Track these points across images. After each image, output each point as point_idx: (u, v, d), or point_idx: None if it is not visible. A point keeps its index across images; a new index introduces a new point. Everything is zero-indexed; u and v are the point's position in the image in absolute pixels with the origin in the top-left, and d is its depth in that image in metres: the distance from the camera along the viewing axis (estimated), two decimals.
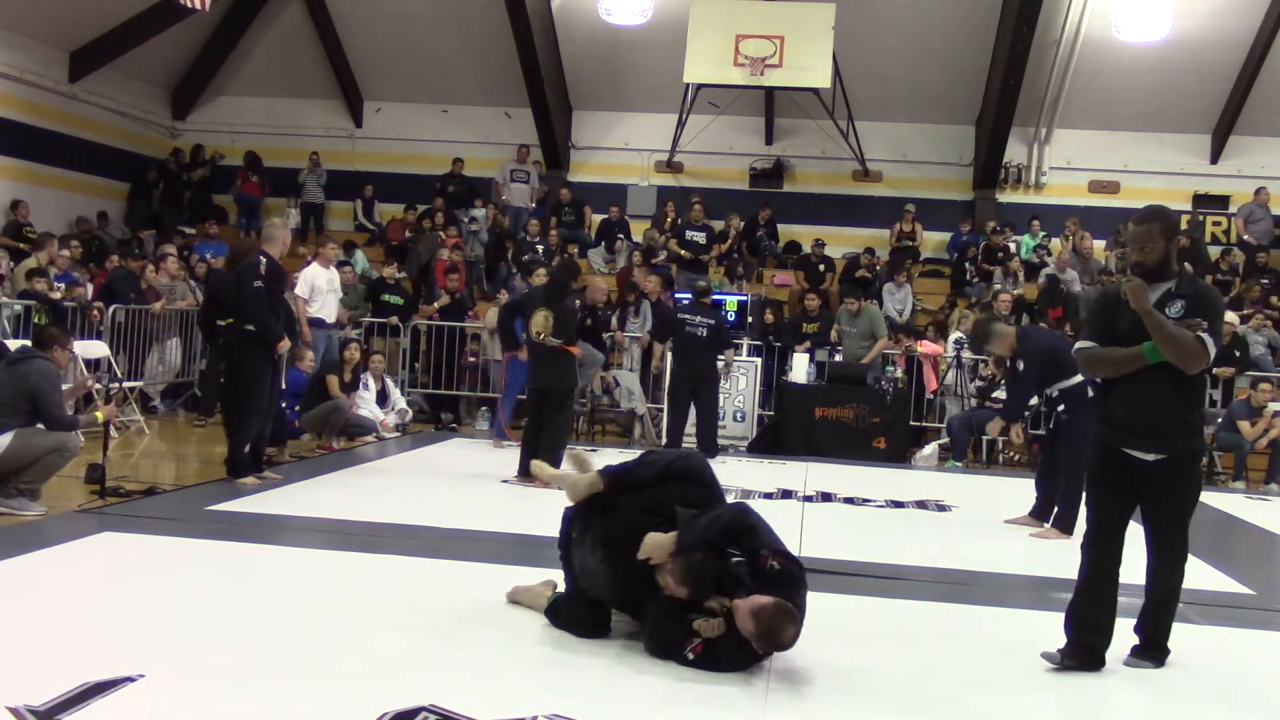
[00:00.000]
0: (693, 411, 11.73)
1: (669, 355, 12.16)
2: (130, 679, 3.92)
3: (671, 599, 4.53)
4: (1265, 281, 15.92)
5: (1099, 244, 17.22)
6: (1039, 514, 8.55)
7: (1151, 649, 4.83)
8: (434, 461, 10.68)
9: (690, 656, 4.42)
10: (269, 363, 8.48)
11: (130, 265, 14.14)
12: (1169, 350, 4.58)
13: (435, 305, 14.53)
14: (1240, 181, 17.51)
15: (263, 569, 5.86)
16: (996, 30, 16.94)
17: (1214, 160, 18.02)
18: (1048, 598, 6.27)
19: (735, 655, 4.43)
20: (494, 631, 4.85)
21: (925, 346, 14.03)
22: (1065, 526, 8.04)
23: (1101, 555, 4.79)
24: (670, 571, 4.48)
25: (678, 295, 14.36)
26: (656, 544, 4.55)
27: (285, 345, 8.53)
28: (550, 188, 18.82)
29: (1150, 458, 4.68)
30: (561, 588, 5.07)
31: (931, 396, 13.75)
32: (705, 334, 11.63)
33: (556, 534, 5.06)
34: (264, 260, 8.48)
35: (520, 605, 5.21)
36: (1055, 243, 17.19)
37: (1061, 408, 8.26)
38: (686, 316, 11.81)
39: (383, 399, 12.33)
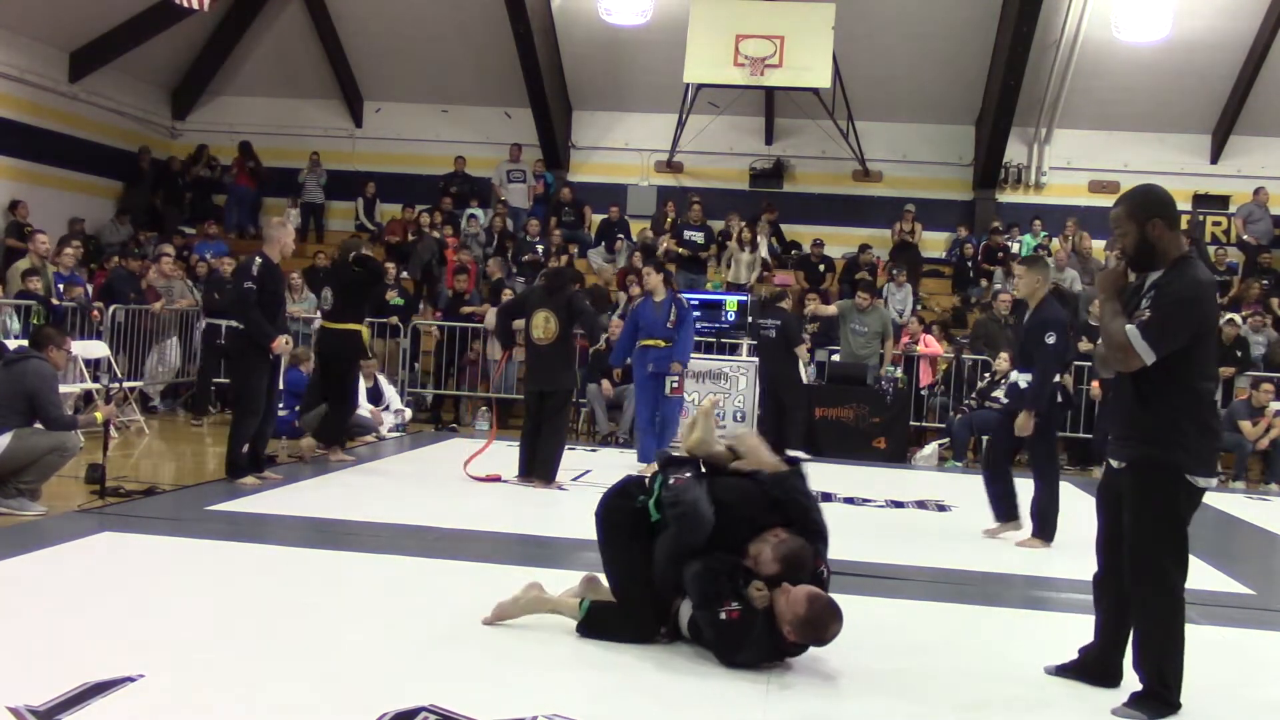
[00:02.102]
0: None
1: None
2: (130, 679, 3.92)
3: (729, 559, 4.50)
4: (1265, 281, 15.91)
5: (1098, 244, 17.21)
6: (1005, 517, 8.00)
7: (1140, 696, 4.23)
8: (434, 462, 10.67)
9: (723, 616, 4.40)
10: (264, 363, 8.47)
11: (130, 265, 14.14)
12: (1104, 345, 4.29)
13: (471, 308, 14.55)
14: (1240, 181, 17.51)
15: (263, 569, 5.86)
16: (996, 30, 16.94)
17: (1214, 160, 18.02)
18: (1048, 599, 6.28)
19: (762, 641, 4.43)
20: (493, 631, 4.85)
21: (926, 346, 14.01)
22: (1047, 535, 7.71)
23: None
24: (773, 545, 4.47)
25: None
26: (753, 444, 4.76)
27: (281, 346, 8.50)
28: (553, 183, 18.82)
29: (1115, 464, 4.37)
30: (544, 586, 4.94)
31: (924, 392, 13.75)
32: (774, 334, 12.15)
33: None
34: (259, 261, 8.47)
35: (509, 622, 4.92)
36: (1055, 242, 17.19)
37: (1006, 400, 7.79)
38: (759, 320, 12.44)
39: (376, 398, 12.33)
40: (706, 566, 4.49)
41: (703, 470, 4.84)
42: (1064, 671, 4.60)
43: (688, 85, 16.94)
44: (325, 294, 9.87)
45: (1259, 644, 5.31)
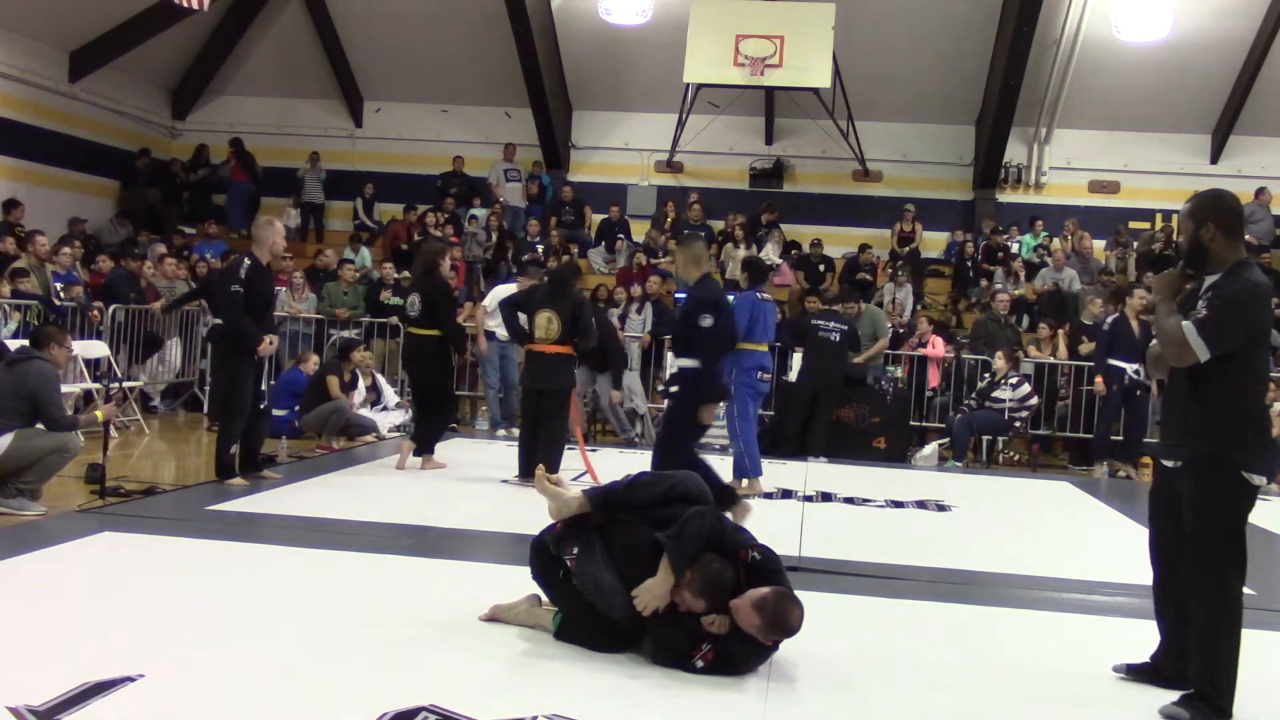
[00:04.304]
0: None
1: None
2: (130, 679, 3.92)
3: (670, 610, 4.47)
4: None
5: (1099, 244, 17.23)
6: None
7: (1190, 698, 4.22)
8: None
9: (700, 664, 4.39)
10: (249, 365, 8.46)
11: (129, 265, 14.14)
12: (1160, 343, 4.38)
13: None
14: (1240, 181, 17.44)
15: (263, 569, 5.85)
16: (996, 30, 16.95)
17: (1214, 160, 18.01)
18: (1049, 599, 6.28)
19: (746, 655, 4.43)
20: (493, 632, 4.85)
21: (933, 347, 14.00)
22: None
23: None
24: (688, 586, 4.42)
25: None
26: (655, 593, 4.47)
27: (267, 348, 8.49)
28: (549, 184, 18.83)
29: (1170, 464, 4.39)
30: (546, 601, 4.94)
31: (931, 394, 13.76)
32: (838, 338, 12.32)
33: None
34: (247, 263, 8.44)
35: (504, 623, 4.97)
36: (1056, 242, 17.19)
37: (675, 388, 7.65)
38: (820, 322, 12.51)
39: (374, 397, 12.35)
40: (655, 643, 4.48)
41: (592, 530, 4.75)
42: (1135, 671, 4.60)
43: (688, 85, 16.95)
44: (412, 300, 9.85)
45: (1259, 644, 5.28)
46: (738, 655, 4.42)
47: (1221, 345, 4.17)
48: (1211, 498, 4.21)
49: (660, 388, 8.12)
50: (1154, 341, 4.58)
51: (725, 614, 4.43)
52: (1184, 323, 4.21)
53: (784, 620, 4.38)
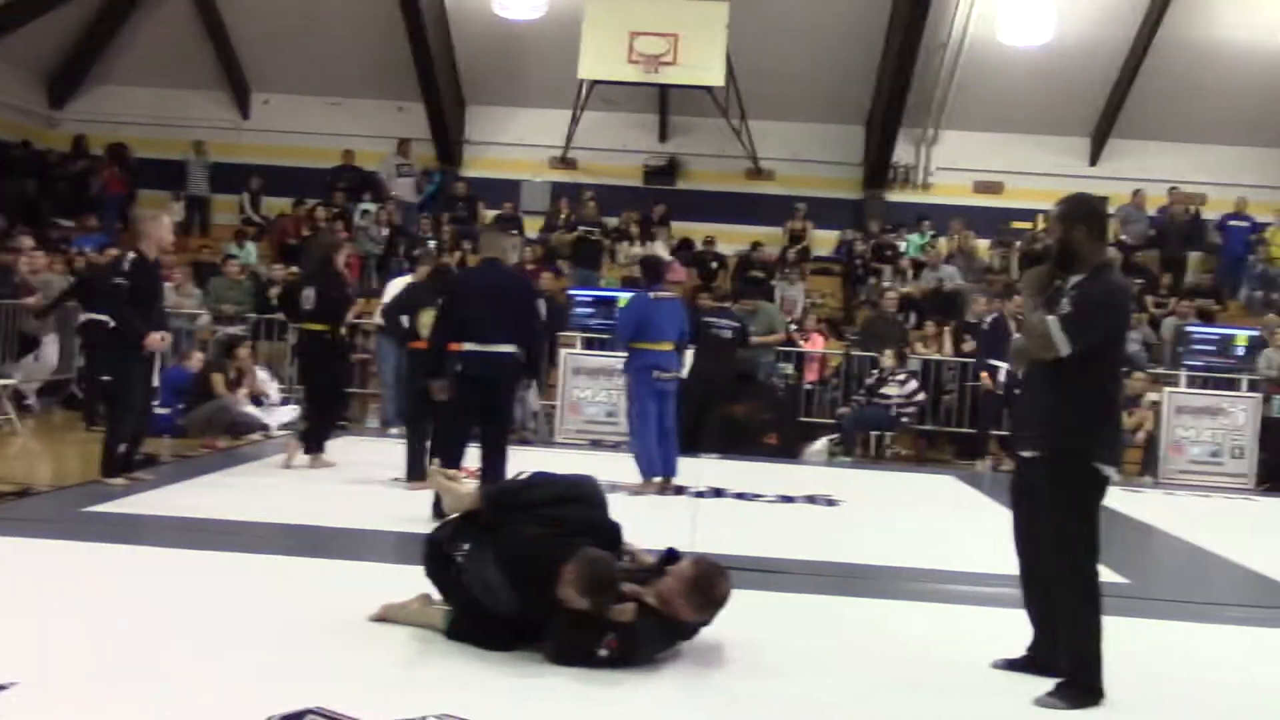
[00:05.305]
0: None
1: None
2: (2, 687, 3.78)
3: (574, 609, 4.44)
4: (1140, 281, 16.42)
5: (983, 243, 17.63)
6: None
7: (1062, 685, 4.34)
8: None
9: (604, 653, 4.38)
10: (139, 360, 8.24)
11: (3, 259, 13.64)
12: (1025, 336, 4.56)
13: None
14: (1118, 184, 18.02)
15: (143, 572, 5.70)
16: (886, 33, 17.24)
17: (1093, 163, 18.59)
18: (935, 590, 6.41)
19: (653, 639, 4.46)
20: (383, 632, 4.79)
21: (812, 342, 14.21)
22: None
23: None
24: (570, 582, 4.38)
25: (570, 292, 14.40)
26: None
27: (155, 342, 8.27)
28: (439, 181, 18.68)
29: (1028, 455, 4.58)
30: (438, 599, 4.90)
31: (810, 387, 13.94)
32: (730, 334, 12.39)
33: None
34: (132, 256, 8.22)
35: (394, 623, 4.89)
36: (942, 241, 17.55)
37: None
38: (711, 319, 12.50)
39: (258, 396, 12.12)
40: (556, 645, 4.45)
41: (483, 526, 4.72)
42: (1014, 666, 4.69)
43: (582, 81, 16.94)
44: (306, 294, 9.60)
45: (1135, 632, 5.46)
46: (642, 640, 4.42)
47: (1083, 341, 4.35)
48: (1066, 488, 4.40)
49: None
50: (1017, 335, 4.75)
51: (628, 602, 4.43)
52: (1049, 318, 4.39)
53: (716, 590, 4.51)
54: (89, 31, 18.49)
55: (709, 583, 4.52)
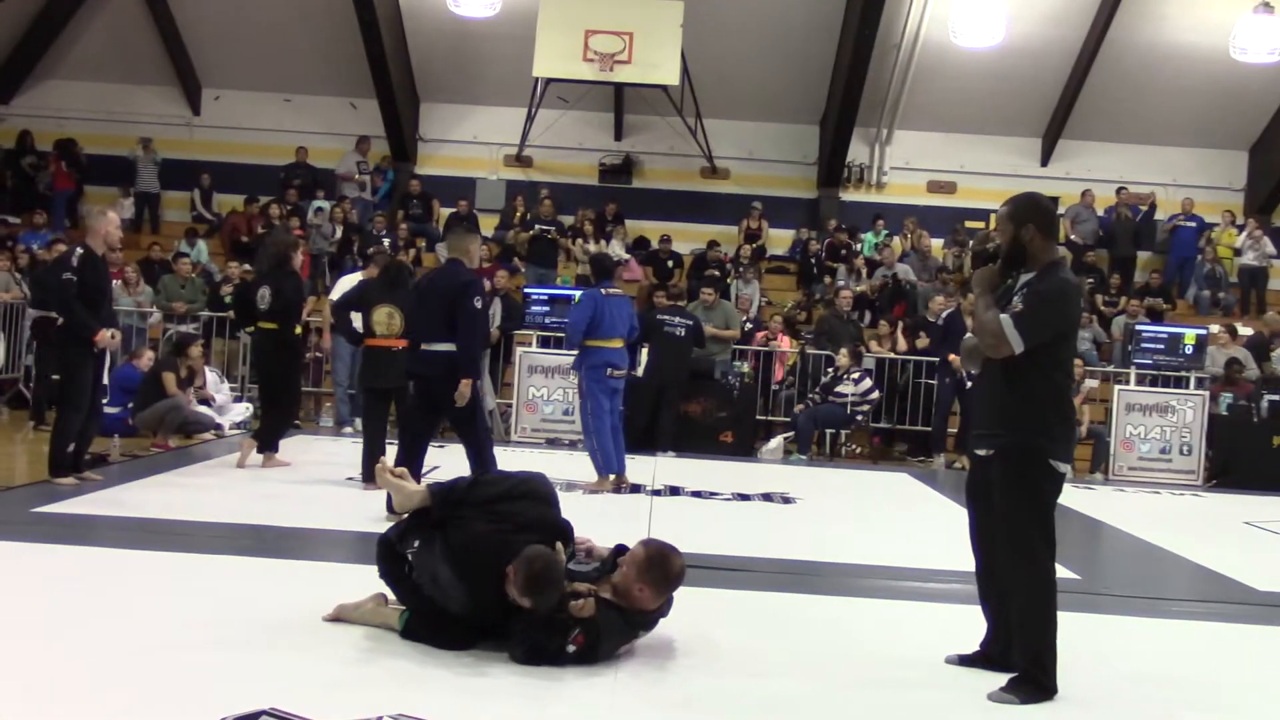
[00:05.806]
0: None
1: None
2: None
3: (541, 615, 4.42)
4: (1090, 280, 16.61)
5: (937, 242, 17.77)
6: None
7: (1015, 680, 4.38)
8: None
9: (572, 649, 4.38)
10: (88, 358, 8.13)
11: None
12: (977, 334, 4.58)
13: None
14: (1068, 184, 18.26)
15: (93, 572, 5.60)
16: (840, 33, 17.33)
17: (1044, 163, 18.80)
18: (890, 587, 6.45)
19: (616, 632, 4.48)
20: (338, 632, 4.75)
21: (782, 344, 14.26)
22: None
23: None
24: (513, 582, 4.37)
25: (526, 290, 14.38)
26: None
27: (105, 339, 8.16)
28: (398, 180, 18.58)
29: (983, 452, 4.58)
30: (392, 600, 4.86)
31: (777, 387, 14.01)
32: (683, 333, 12.45)
33: None
34: (80, 252, 8.10)
35: (348, 623, 4.86)
36: (896, 240, 17.67)
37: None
38: (665, 317, 12.53)
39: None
40: (525, 648, 4.42)
41: (433, 524, 4.69)
42: (967, 662, 4.73)
43: (537, 79, 16.91)
44: (262, 293, 9.50)
45: (1083, 627, 5.53)
46: (605, 632, 4.44)
47: (1035, 339, 4.37)
48: (1021, 484, 4.41)
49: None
50: (968, 334, 4.78)
51: (582, 598, 4.44)
52: (1001, 316, 4.41)
53: (672, 569, 4.56)
54: (35, 25, 18.16)
55: (663, 559, 4.56)
